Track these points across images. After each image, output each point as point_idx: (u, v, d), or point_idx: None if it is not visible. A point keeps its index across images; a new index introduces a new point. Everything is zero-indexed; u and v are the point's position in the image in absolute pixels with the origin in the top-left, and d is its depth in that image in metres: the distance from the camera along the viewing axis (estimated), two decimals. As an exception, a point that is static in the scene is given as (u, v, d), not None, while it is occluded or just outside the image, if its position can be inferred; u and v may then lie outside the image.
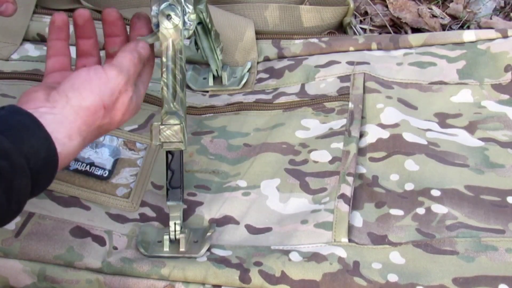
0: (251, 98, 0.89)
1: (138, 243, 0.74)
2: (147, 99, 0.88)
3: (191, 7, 0.72)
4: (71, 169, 0.80)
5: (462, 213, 0.76)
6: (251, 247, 0.74)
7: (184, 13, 0.72)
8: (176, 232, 0.73)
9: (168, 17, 0.71)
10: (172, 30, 0.71)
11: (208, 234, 0.75)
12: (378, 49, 0.93)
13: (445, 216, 0.75)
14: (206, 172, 0.82)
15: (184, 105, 0.73)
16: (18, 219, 0.74)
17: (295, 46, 0.94)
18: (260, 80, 0.92)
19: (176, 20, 0.71)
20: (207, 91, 0.91)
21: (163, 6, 0.71)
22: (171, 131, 0.71)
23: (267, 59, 0.94)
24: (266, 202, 0.78)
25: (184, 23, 0.72)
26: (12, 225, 0.74)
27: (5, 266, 0.73)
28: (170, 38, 0.71)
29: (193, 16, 0.72)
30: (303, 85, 0.90)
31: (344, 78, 0.89)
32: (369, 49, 0.93)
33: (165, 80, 0.72)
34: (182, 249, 0.73)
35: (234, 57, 0.94)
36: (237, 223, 0.77)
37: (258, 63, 0.94)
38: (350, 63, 0.91)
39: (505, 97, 0.87)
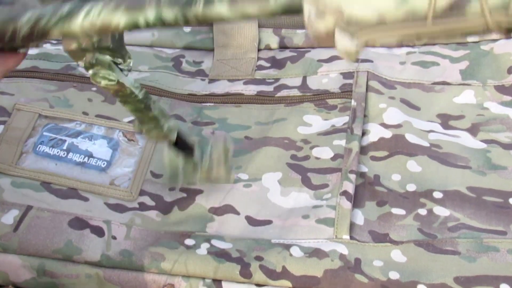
0: (252, 89, 0.89)
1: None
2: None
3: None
4: (69, 161, 0.79)
5: (464, 214, 0.75)
6: (252, 240, 0.73)
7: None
8: None
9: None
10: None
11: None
12: (381, 46, 0.93)
13: (447, 218, 0.74)
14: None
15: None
16: (16, 213, 0.73)
17: (298, 37, 0.94)
18: (261, 68, 0.91)
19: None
20: (207, 75, 0.91)
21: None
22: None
23: (268, 47, 0.94)
24: (267, 195, 0.77)
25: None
26: (10, 219, 0.73)
27: (4, 261, 0.71)
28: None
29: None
30: (304, 78, 0.90)
31: (347, 75, 0.89)
32: (373, 46, 0.93)
33: None
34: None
35: (236, 41, 0.93)
36: (238, 213, 0.76)
37: (259, 50, 0.93)
38: (353, 59, 0.90)
39: (508, 98, 0.87)
